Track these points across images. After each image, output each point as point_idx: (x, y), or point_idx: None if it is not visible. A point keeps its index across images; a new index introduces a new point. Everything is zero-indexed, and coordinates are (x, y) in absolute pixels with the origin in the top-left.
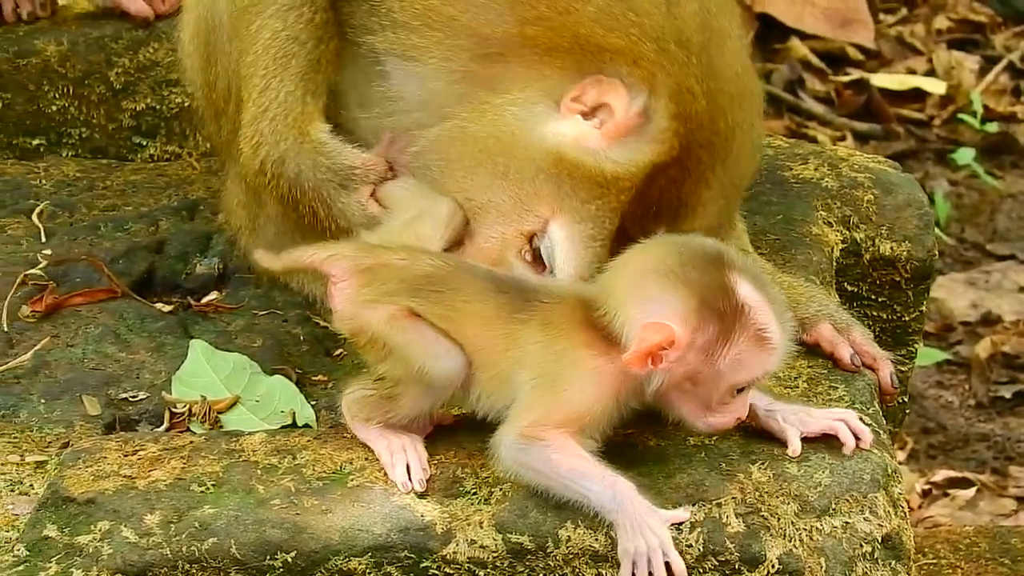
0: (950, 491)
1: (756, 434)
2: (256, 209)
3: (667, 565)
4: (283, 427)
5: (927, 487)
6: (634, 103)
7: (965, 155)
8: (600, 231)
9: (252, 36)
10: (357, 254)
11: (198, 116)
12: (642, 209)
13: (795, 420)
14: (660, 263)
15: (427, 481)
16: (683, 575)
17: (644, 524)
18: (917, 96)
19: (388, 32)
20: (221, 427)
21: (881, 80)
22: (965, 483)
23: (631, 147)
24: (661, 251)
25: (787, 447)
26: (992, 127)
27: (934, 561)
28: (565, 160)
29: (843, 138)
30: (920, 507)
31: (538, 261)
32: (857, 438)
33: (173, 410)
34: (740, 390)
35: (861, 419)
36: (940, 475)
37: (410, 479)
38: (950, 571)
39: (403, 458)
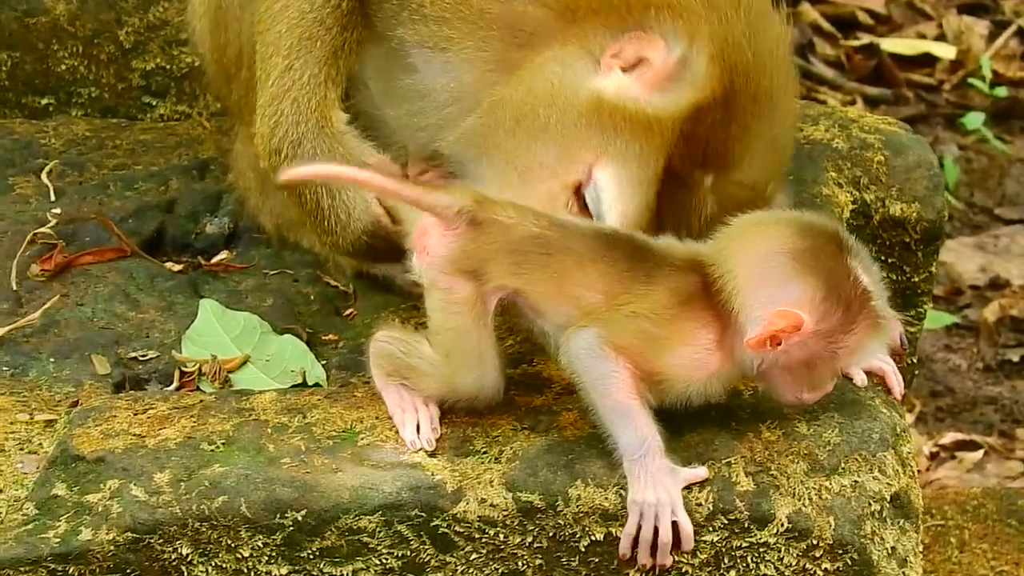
0: (957, 454)
1: (766, 393)
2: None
3: (674, 525)
4: (293, 386)
5: (935, 450)
6: (672, 52)
7: (974, 120)
8: (645, 172)
9: (276, 14)
10: (472, 204)
11: (206, 78)
12: (689, 151)
13: None
14: (787, 245)
15: (437, 440)
16: (689, 537)
17: (659, 480)
18: (927, 61)
19: (419, 25)
20: (231, 386)
21: (891, 45)
22: (973, 446)
23: (672, 92)
24: (785, 231)
25: (853, 380)
26: (1001, 92)
27: (941, 522)
28: (605, 105)
29: (853, 102)
30: (928, 469)
31: (585, 210)
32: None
33: (183, 369)
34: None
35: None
36: (948, 438)
37: (419, 438)
38: (957, 532)
39: (414, 416)
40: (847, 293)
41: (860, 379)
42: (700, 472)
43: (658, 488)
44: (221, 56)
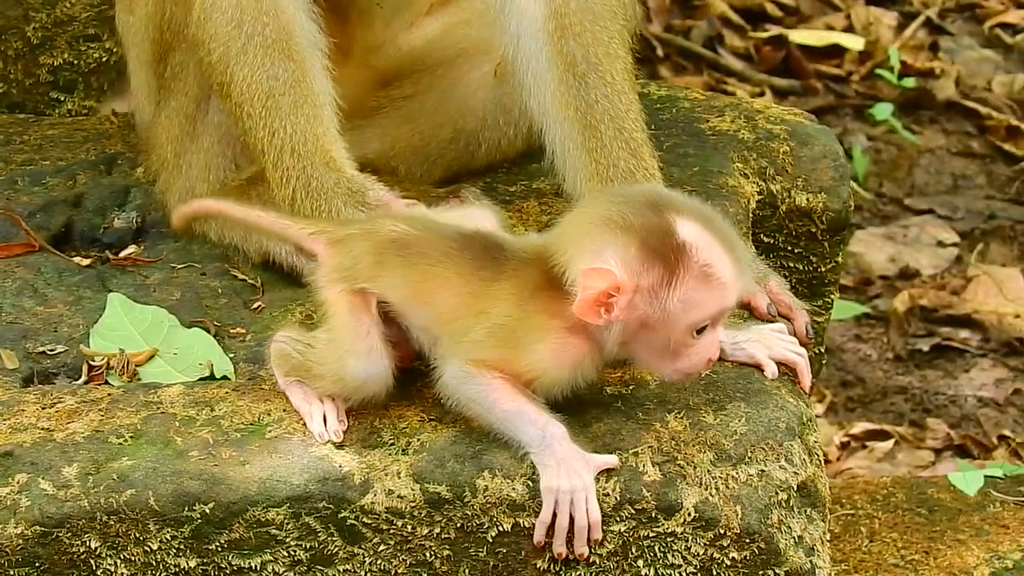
0: (868, 443)
1: (672, 383)
2: (187, 144)
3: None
4: (201, 379)
5: (845, 439)
6: None
7: (883, 110)
8: None
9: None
10: (333, 228)
11: (140, 47)
12: None
13: (761, 347)
14: (601, 213)
15: (345, 432)
16: (598, 523)
17: (570, 466)
18: (835, 52)
19: None
20: (139, 380)
21: (800, 36)
22: (883, 435)
23: None
24: (604, 202)
25: (764, 372)
26: (910, 82)
27: (851, 512)
28: None
29: (762, 94)
30: (838, 459)
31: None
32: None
33: (91, 363)
34: (700, 331)
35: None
36: (859, 427)
37: (327, 430)
38: (867, 521)
39: (320, 408)
40: (662, 247)
41: (771, 371)
42: (611, 459)
43: (571, 474)
44: (162, 26)
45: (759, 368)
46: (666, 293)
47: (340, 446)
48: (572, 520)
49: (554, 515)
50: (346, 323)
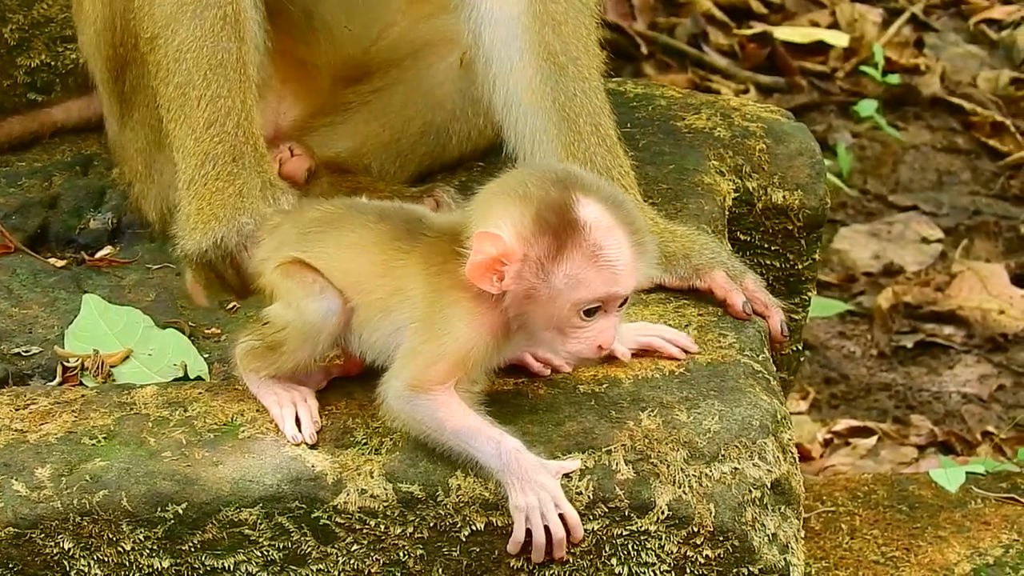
0: (852, 440)
1: (645, 381)
2: (155, 155)
3: (561, 517)
4: (175, 380)
5: (829, 436)
6: None
7: (868, 107)
8: None
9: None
10: (266, 221)
11: (93, 66)
12: None
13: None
14: (508, 184)
15: (318, 432)
16: (578, 526)
17: (532, 479)
18: (820, 49)
19: None
20: (114, 381)
21: (784, 33)
22: (867, 432)
23: None
24: (515, 174)
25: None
26: (894, 79)
27: (832, 509)
28: None
29: (747, 91)
30: (822, 456)
31: None
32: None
33: (66, 364)
34: (590, 313)
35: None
36: (842, 424)
37: (300, 432)
38: (848, 518)
39: (292, 411)
40: (556, 220)
41: (622, 353)
42: (570, 464)
43: (536, 487)
44: (115, 43)
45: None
46: (553, 267)
47: (313, 446)
48: (548, 531)
49: (528, 532)
50: (292, 281)
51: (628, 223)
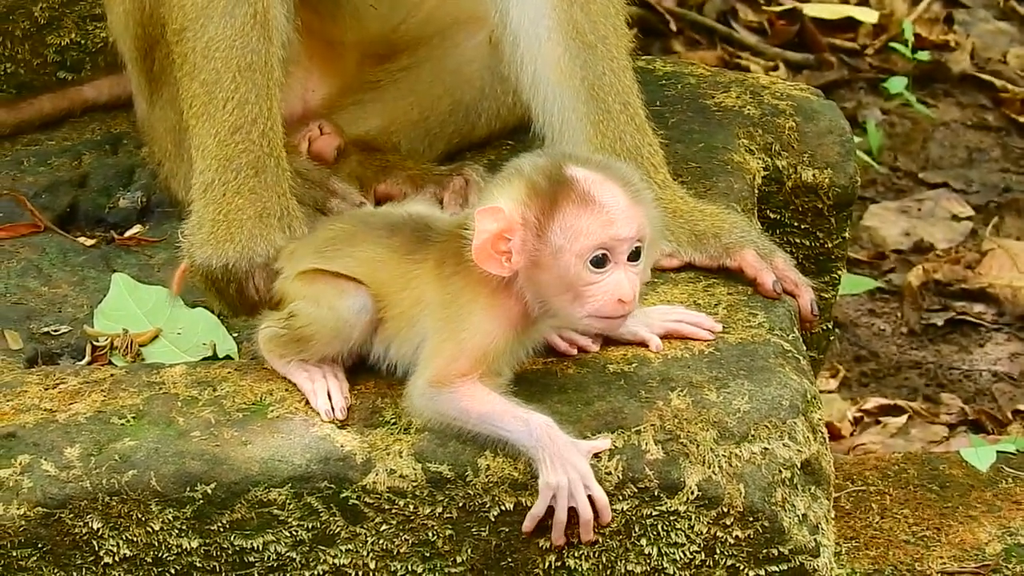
0: (882, 419)
1: (675, 361)
2: (184, 134)
3: (589, 499)
4: (204, 359)
5: (859, 415)
6: None
7: (897, 84)
8: None
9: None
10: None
11: (123, 46)
12: None
13: (641, 324)
14: (501, 174)
15: (348, 409)
16: (606, 508)
17: (564, 458)
18: (850, 25)
19: None
20: (143, 360)
21: (813, 10)
22: (897, 410)
23: None
24: (507, 165)
25: (649, 347)
26: (924, 56)
27: (863, 488)
28: None
29: (776, 68)
30: (852, 435)
31: None
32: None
33: (95, 343)
34: (599, 265)
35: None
36: (872, 403)
37: (332, 406)
38: (878, 497)
39: (324, 386)
40: (546, 182)
41: (655, 344)
42: (601, 443)
43: (567, 467)
44: (143, 23)
45: (645, 345)
46: (550, 223)
47: (342, 425)
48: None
49: (550, 509)
50: (320, 283)
51: (619, 178)
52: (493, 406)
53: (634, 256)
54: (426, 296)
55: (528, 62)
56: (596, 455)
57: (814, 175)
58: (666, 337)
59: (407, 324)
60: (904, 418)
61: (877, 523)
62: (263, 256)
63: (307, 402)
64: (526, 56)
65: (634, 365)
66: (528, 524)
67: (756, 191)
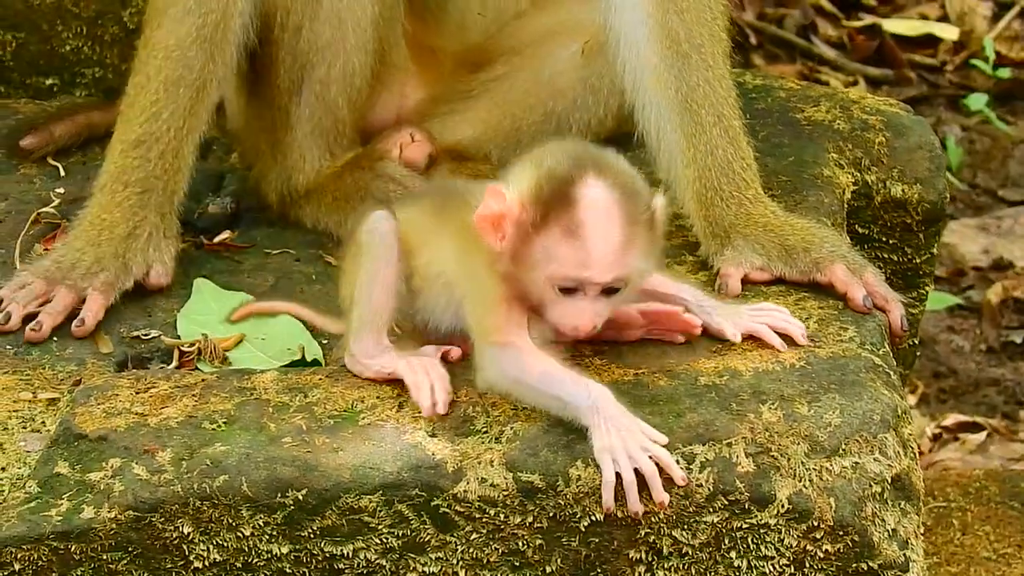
0: (960, 435)
1: (766, 374)
2: (278, 135)
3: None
4: (292, 363)
5: (938, 431)
6: None
7: (978, 101)
8: None
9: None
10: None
11: None
12: None
13: (727, 316)
14: (535, 153)
15: (450, 404)
16: (671, 464)
17: (618, 422)
18: (930, 42)
19: None
20: (229, 364)
21: (893, 25)
22: (976, 427)
23: None
24: (548, 145)
25: (727, 339)
26: (1004, 73)
27: (944, 504)
28: None
29: (855, 83)
30: (930, 451)
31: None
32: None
33: (182, 348)
34: (565, 291)
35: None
36: (951, 419)
37: (437, 399)
38: (960, 514)
39: (427, 380)
40: (551, 191)
41: (732, 334)
42: (660, 437)
43: (620, 430)
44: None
45: (722, 338)
46: (535, 236)
47: (433, 434)
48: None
49: (617, 474)
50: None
51: (628, 215)
52: (554, 366)
53: (609, 291)
54: (449, 259)
55: (629, 69)
56: (688, 464)
57: (903, 190)
58: (748, 338)
59: (434, 279)
60: (983, 435)
61: (959, 540)
62: (109, 273)
63: (399, 407)
64: (627, 63)
65: (725, 378)
66: (606, 496)
67: (845, 206)
